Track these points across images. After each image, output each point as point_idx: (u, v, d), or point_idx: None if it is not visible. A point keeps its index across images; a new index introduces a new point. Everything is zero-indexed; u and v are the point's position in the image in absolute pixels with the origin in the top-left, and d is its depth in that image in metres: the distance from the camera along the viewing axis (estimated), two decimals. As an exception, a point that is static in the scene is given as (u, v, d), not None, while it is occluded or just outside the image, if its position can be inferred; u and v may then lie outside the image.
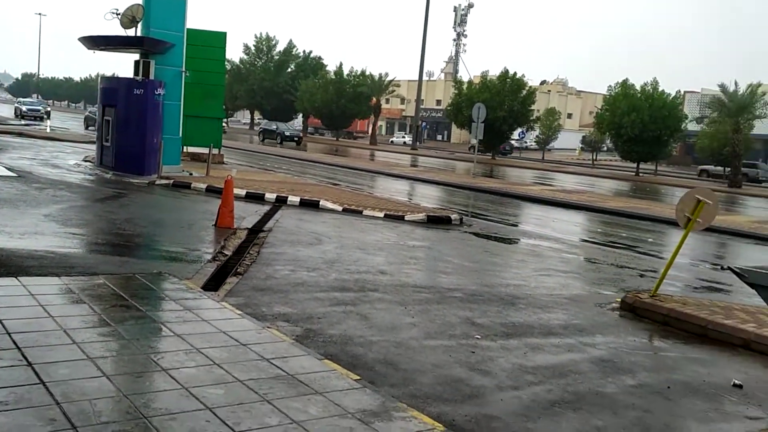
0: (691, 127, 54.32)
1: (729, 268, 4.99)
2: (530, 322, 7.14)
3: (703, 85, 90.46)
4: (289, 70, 77.88)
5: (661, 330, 7.44)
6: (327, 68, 74.48)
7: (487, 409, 4.71)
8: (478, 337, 6.37)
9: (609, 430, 4.59)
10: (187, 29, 18.23)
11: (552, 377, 5.48)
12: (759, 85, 44.26)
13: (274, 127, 57.80)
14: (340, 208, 14.41)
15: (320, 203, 14.65)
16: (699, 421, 4.94)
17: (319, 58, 79.18)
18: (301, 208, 14.23)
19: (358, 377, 4.78)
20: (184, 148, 20.52)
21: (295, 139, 55.41)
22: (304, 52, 79.70)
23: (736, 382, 5.81)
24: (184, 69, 18.08)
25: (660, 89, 45.05)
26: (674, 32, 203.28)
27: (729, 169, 45.79)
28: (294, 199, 14.84)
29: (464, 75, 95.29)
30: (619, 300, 8.35)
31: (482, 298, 8.00)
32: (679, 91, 49.71)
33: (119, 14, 16.76)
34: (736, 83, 44.69)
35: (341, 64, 70.00)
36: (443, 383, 5.10)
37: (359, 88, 66.75)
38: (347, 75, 68.38)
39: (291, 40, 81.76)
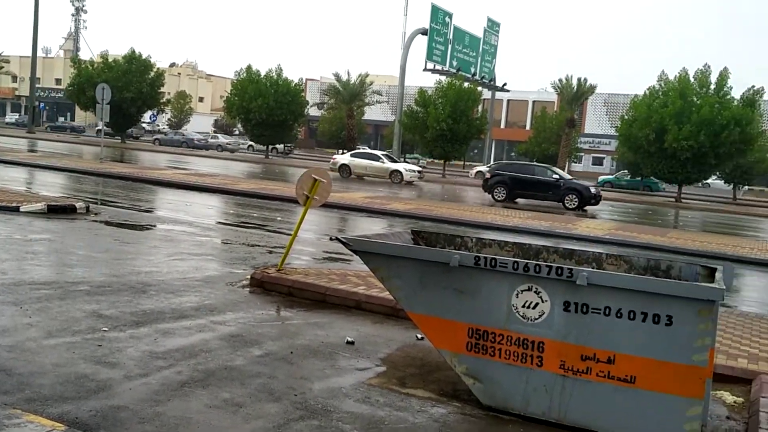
0: (313, 112, 58.84)
1: (336, 239, 5.62)
2: (161, 308, 7.10)
3: (322, 73, 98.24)
4: None
5: (287, 301, 8.03)
6: None
7: (115, 401, 4.60)
8: (106, 329, 6.14)
9: (237, 400, 4.85)
10: None
11: (182, 359, 5.56)
12: (367, 75, 49.84)
13: (555, 176, 28.55)
14: (-66, 202, 12.39)
15: None
16: (318, 379, 5.49)
17: None
18: None
19: (-39, 390, 4.27)
20: None
21: (598, 197, 28.69)
22: None
23: (349, 339, 6.59)
24: None
25: (284, 76, 47.58)
26: (297, 21, 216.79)
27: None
28: None
29: (87, 53, 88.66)
30: (249, 277, 8.76)
31: (111, 288, 7.68)
32: (302, 79, 53.31)
33: None
34: (348, 73, 49.75)
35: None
36: (66, 382, 4.82)
37: (-45, 62, 57.71)
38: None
39: None
